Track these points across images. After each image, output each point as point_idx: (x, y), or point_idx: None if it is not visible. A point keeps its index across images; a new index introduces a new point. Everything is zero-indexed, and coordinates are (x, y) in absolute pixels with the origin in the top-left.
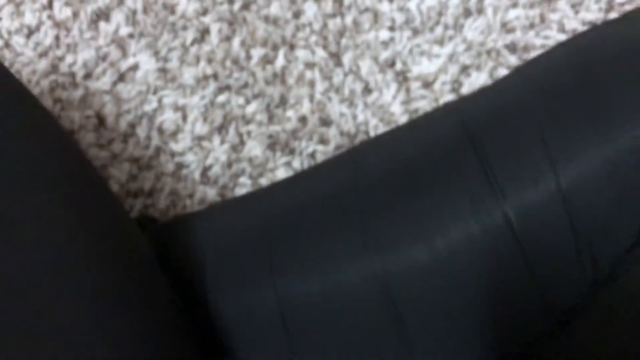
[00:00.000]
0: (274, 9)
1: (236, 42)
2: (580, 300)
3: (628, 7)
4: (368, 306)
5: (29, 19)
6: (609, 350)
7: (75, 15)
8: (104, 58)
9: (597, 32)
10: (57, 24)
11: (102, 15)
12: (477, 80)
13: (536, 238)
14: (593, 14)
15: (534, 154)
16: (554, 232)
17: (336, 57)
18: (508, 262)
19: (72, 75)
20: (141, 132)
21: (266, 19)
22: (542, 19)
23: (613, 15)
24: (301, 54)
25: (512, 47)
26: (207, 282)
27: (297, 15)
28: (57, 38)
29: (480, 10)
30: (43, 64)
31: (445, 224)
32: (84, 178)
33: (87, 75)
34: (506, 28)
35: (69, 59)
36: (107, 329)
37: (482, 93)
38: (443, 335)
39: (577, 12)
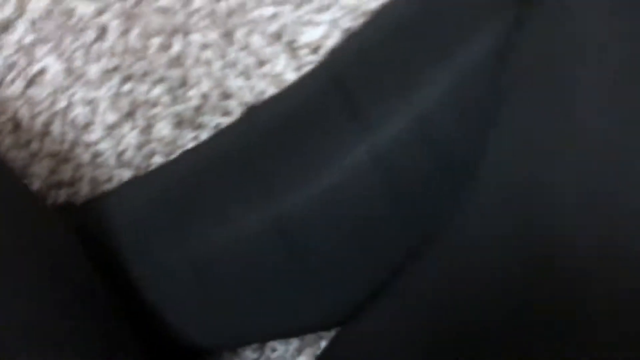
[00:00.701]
0: (164, 1)
1: (133, 35)
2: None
3: None
4: (270, 247)
5: None
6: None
7: None
8: (12, 66)
9: None
10: None
11: (4, 27)
12: None
13: (402, 165)
14: None
15: (389, 87)
16: (416, 157)
17: (228, 36)
18: (379, 191)
19: None
20: (56, 129)
21: (158, 10)
22: None
23: None
24: (195, 37)
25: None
26: (124, 251)
27: (186, 3)
28: None
29: None
30: None
31: (323, 164)
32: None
33: None
34: None
35: None
36: (34, 329)
37: (346, 41)
38: (336, 263)
39: None
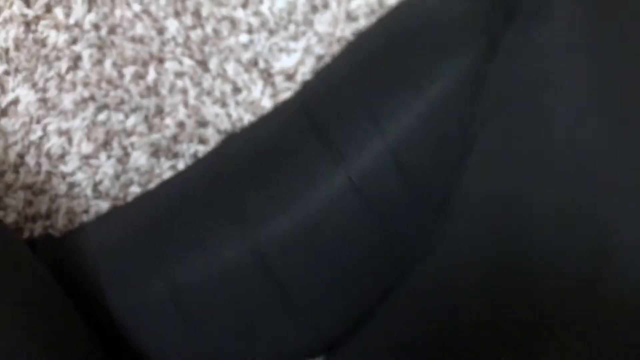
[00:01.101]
0: (138, 29)
1: (108, 64)
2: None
3: None
4: (249, 277)
5: None
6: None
7: None
8: None
9: (403, 6)
10: None
11: None
12: None
13: (378, 194)
14: None
15: (361, 118)
16: (391, 186)
17: (203, 64)
18: (358, 220)
19: None
20: (30, 160)
21: (133, 39)
22: (381, 5)
23: None
24: (170, 65)
25: (358, 33)
26: (102, 287)
27: (160, 31)
28: None
29: (326, 5)
30: None
31: (298, 194)
32: None
33: None
34: (351, 17)
35: None
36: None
37: (319, 74)
38: (318, 291)
39: None
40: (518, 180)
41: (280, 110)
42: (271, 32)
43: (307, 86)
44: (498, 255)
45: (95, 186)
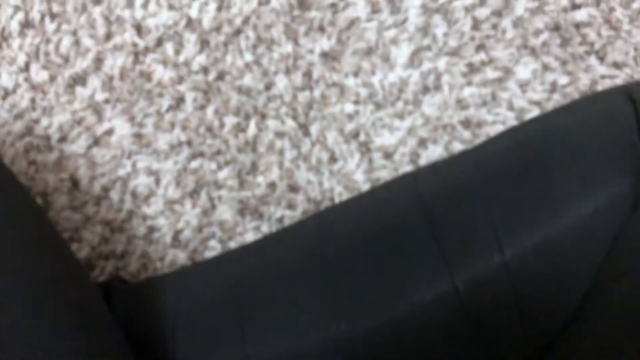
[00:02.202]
0: (247, 80)
1: (210, 110)
2: None
3: (569, 90)
4: None
5: (5, 81)
6: None
7: (52, 78)
8: (79, 122)
9: (538, 124)
10: (34, 87)
11: (79, 80)
12: (433, 153)
13: (483, 306)
14: (538, 94)
15: (481, 232)
16: (499, 301)
17: (304, 128)
18: (456, 328)
19: (47, 138)
20: (114, 195)
21: (239, 89)
22: (494, 97)
23: (556, 96)
24: (272, 123)
25: (466, 123)
26: (176, 347)
27: (268, 87)
28: (33, 101)
29: (438, 87)
30: (18, 126)
31: (401, 295)
32: (44, 244)
33: (62, 139)
34: (461, 105)
35: (45, 122)
36: None
37: (436, 171)
38: None
39: (524, 92)
40: None
41: (392, 199)
42: (378, 106)
43: (421, 179)
44: None
45: (176, 234)
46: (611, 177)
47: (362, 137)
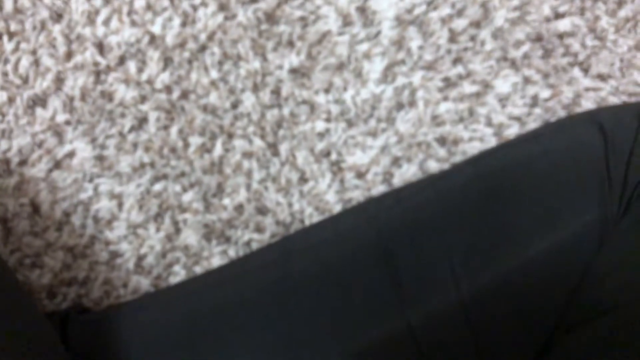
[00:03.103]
0: (212, 98)
1: (174, 130)
2: None
3: (551, 104)
4: None
5: None
6: None
7: (11, 100)
8: (39, 145)
9: (502, 153)
10: None
11: (39, 101)
12: (407, 172)
13: (436, 343)
14: (519, 109)
15: (438, 268)
16: (454, 339)
17: (273, 147)
18: None
19: (7, 161)
20: (76, 220)
21: (204, 108)
22: (471, 112)
23: (537, 110)
24: (239, 143)
25: (441, 140)
26: None
27: (235, 105)
28: None
29: (412, 103)
30: None
31: (354, 334)
32: None
33: (22, 162)
34: (436, 121)
35: (4, 144)
36: None
37: (399, 201)
38: None
39: (504, 107)
40: None
41: (352, 233)
42: (350, 124)
43: (383, 213)
44: None
45: (139, 260)
46: (576, 212)
47: (333, 157)
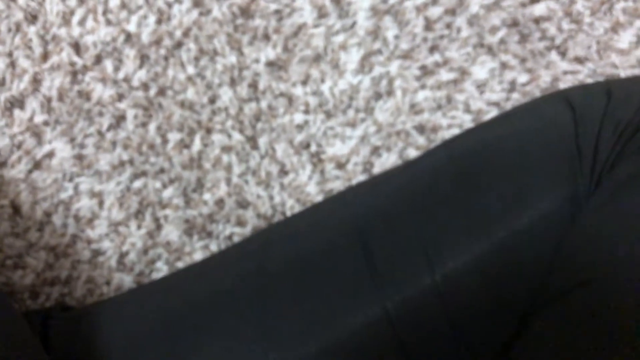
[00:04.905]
0: (189, 94)
1: (152, 127)
2: None
3: (529, 88)
4: None
5: None
6: None
7: None
8: (18, 146)
9: (474, 136)
10: None
11: (17, 102)
12: (387, 161)
13: (414, 329)
14: (497, 94)
15: (412, 253)
16: (430, 323)
17: (252, 141)
18: (388, 354)
19: None
20: (57, 219)
21: (182, 104)
22: (449, 99)
23: (516, 95)
24: (217, 138)
25: (420, 128)
26: None
27: (212, 100)
28: None
29: (390, 93)
30: None
31: (332, 322)
32: None
33: (2, 164)
34: (415, 109)
35: None
36: None
37: (374, 188)
38: None
39: (482, 93)
40: None
41: (329, 222)
42: (328, 115)
43: (359, 200)
44: None
45: (121, 257)
46: (547, 191)
47: (313, 148)
